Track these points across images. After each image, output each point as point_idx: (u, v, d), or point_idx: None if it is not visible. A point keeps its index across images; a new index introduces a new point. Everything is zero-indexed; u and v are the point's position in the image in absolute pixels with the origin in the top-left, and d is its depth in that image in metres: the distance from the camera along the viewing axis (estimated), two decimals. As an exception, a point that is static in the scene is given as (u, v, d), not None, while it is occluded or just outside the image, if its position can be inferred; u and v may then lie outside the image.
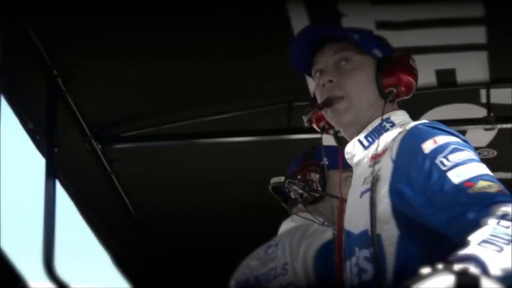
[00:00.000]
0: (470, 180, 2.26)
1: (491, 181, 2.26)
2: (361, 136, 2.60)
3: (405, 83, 2.61)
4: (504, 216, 2.09)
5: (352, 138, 2.64)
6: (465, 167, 2.30)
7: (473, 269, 1.89)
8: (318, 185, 3.38)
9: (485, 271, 1.92)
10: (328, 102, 2.61)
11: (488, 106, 4.17)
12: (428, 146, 2.38)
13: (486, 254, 1.97)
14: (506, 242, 2.02)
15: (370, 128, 2.60)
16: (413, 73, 2.63)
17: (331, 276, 2.77)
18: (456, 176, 2.28)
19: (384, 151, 2.49)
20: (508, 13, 3.48)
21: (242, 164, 4.56)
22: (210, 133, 4.35)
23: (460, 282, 1.79)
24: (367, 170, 2.51)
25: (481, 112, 4.21)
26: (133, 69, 3.93)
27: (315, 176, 3.39)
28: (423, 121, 2.53)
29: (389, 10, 3.62)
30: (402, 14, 3.65)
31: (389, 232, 2.39)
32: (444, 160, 2.33)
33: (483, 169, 2.31)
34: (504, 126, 4.21)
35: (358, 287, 2.43)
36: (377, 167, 2.47)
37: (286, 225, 3.52)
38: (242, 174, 4.59)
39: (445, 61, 4.00)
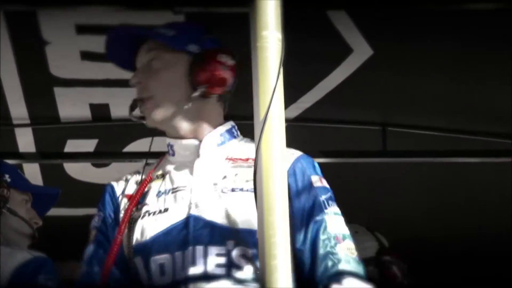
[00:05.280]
0: (340, 235, 2.53)
1: (352, 243, 2.56)
2: (217, 134, 2.65)
3: (214, 80, 2.61)
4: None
5: (176, 136, 2.64)
6: (339, 220, 2.56)
7: None
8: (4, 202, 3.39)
9: None
10: (134, 105, 2.66)
11: None
12: (316, 180, 2.59)
13: None
14: None
15: (224, 128, 2.67)
16: (223, 68, 2.61)
17: None
18: (332, 224, 2.54)
19: (247, 159, 2.60)
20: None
21: None
22: None
23: None
24: (226, 167, 2.59)
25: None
26: None
27: (6, 192, 3.41)
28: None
29: (94, 40, 3.63)
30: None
31: None
32: (326, 203, 2.56)
33: (346, 227, 2.58)
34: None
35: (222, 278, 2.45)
36: (244, 171, 2.57)
37: None
38: None
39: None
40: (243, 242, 2.48)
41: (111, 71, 3.77)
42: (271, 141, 2.24)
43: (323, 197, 2.57)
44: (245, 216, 2.50)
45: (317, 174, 2.61)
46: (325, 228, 2.53)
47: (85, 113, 4.11)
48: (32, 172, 4.41)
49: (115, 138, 4.21)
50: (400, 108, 4.15)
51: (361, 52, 3.67)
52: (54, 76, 3.80)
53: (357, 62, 3.72)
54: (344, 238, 2.55)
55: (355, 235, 4.06)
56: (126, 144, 4.32)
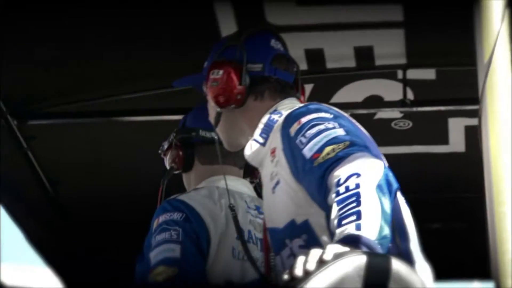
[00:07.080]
0: (317, 151, 2.25)
1: (336, 142, 2.23)
2: (256, 136, 2.62)
3: (216, 100, 2.74)
4: (337, 184, 2.07)
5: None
6: (317, 139, 2.28)
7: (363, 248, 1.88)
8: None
9: (368, 246, 1.89)
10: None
11: (404, 89, 4.07)
12: (293, 129, 2.40)
13: (352, 228, 1.93)
14: (355, 205, 1.98)
15: (261, 125, 2.62)
16: (213, 85, 2.73)
17: None
18: (308, 151, 2.28)
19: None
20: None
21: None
22: (129, 111, 4.25)
23: (371, 261, 1.78)
24: (270, 165, 2.52)
25: (398, 88, 4.13)
26: (50, 44, 3.78)
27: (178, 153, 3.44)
28: (302, 104, 2.60)
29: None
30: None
31: (317, 216, 2.32)
32: (302, 139, 2.34)
33: (334, 134, 2.28)
34: (419, 109, 4.12)
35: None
36: (275, 159, 2.48)
37: None
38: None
39: (363, 38, 3.84)
40: (296, 233, 2.45)
41: (326, 15, 3.80)
42: (496, 85, 2.22)
43: (298, 139, 2.38)
44: (280, 212, 2.51)
45: (294, 122, 2.46)
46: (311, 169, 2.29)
47: (300, 58, 4.15)
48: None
49: (330, 82, 4.19)
50: None
51: None
52: (270, 23, 3.83)
53: None
54: (320, 150, 2.27)
55: None
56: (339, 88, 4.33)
